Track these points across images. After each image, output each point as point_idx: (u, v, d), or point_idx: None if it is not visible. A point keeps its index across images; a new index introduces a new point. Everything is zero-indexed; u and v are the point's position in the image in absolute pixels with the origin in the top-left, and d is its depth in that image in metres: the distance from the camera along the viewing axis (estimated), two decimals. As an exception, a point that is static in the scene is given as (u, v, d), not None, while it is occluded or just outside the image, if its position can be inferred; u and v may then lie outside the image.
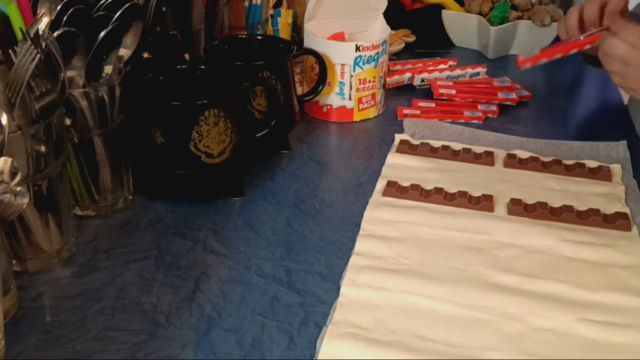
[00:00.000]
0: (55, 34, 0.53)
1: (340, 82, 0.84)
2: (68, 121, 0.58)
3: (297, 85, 0.86)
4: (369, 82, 0.85)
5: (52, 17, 0.56)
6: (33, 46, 0.48)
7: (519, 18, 1.12)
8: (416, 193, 0.66)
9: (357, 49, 0.82)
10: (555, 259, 0.58)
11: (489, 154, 0.75)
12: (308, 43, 0.85)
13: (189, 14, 0.74)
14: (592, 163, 0.73)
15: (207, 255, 0.59)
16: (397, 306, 0.52)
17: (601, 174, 0.71)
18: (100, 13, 0.60)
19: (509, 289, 0.54)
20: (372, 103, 0.87)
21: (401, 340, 0.48)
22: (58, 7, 0.57)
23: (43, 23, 0.49)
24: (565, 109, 0.81)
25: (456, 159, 0.74)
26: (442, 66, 1.00)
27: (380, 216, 0.63)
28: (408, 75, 0.97)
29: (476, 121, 0.86)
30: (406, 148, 0.76)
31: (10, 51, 0.50)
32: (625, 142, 0.78)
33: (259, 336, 0.49)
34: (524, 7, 1.12)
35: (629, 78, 0.70)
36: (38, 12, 0.54)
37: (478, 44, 1.15)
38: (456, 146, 0.76)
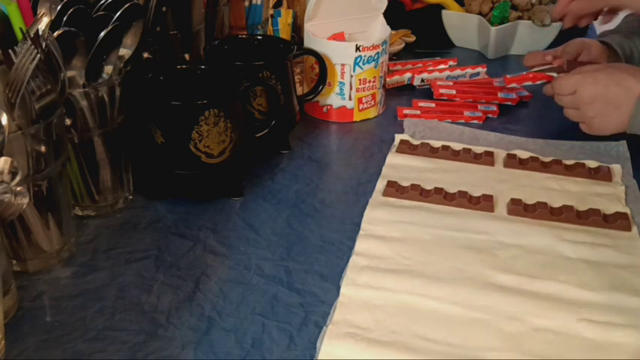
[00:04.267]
0: (55, 34, 0.53)
1: (340, 82, 0.84)
2: (68, 121, 0.58)
3: (297, 85, 0.86)
4: (369, 82, 0.85)
5: (52, 17, 0.56)
6: (33, 46, 0.48)
7: (519, 18, 1.12)
8: (416, 193, 0.66)
9: (357, 49, 0.82)
10: (555, 259, 0.58)
11: (489, 154, 0.75)
12: (308, 43, 0.85)
13: (189, 14, 0.74)
14: (592, 163, 0.73)
15: (207, 255, 0.59)
16: (397, 306, 0.52)
17: (601, 174, 0.71)
18: (100, 13, 0.60)
19: (509, 289, 0.54)
20: (372, 103, 0.87)
21: (401, 340, 0.48)
22: (58, 7, 0.57)
23: (43, 23, 0.49)
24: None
25: (456, 159, 0.74)
26: (442, 66, 1.00)
27: (380, 216, 0.63)
28: (408, 75, 0.97)
29: (476, 121, 0.86)
30: (406, 148, 0.76)
31: (10, 51, 0.50)
32: (625, 142, 0.77)
33: (259, 336, 0.49)
34: (524, 7, 1.13)
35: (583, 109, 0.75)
36: (38, 12, 0.54)
37: (478, 44, 1.15)
38: (456, 146, 0.76)
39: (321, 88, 0.82)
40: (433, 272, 0.55)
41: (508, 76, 0.88)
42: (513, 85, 0.89)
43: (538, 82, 0.88)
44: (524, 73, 0.88)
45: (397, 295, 0.53)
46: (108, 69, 0.60)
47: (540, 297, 0.53)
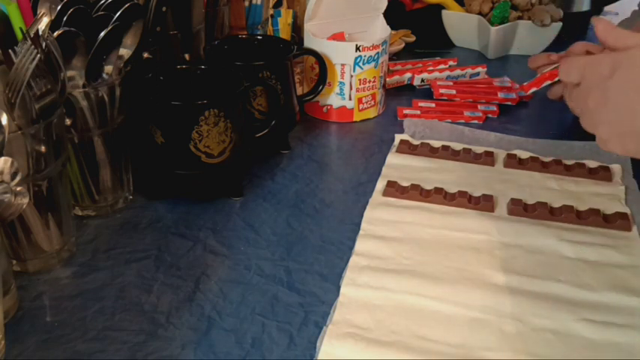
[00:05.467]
0: (55, 34, 0.53)
1: (340, 82, 0.84)
2: (68, 121, 0.58)
3: (297, 85, 0.86)
4: (369, 82, 0.85)
5: (52, 17, 0.56)
6: (33, 46, 0.48)
7: (519, 18, 1.12)
8: (416, 193, 0.66)
9: (357, 49, 0.82)
10: (555, 259, 0.58)
11: (489, 154, 0.75)
12: (308, 43, 0.85)
13: (189, 14, 0.75)
14: (592, 163, 0.73)
15: (207, 255, 0.59)
16: (397, 306, 0.52)
17: (601, 174, 0.71)
18: (100, 13, 0.60)
19: (510, 289, 0.54)
20: (372, 103, 0.87)
21: (401, 340, 0.48)
22: (58, 7, 0.57)
23: (43, 23, 0.49)
24: (565, 109, 0.81)
25: (456, 159, 0.74)
26: (442, 66, 1.00)
27: (380, 216, 0.63)
28: (408, 75, 0.97)
29: (476, 121, 0.86)
30: (406, 148, 0.76)
31: (10, 51, 0.50)
32: (625, 142, 0.77)
33: (259, 336, 0.49)
34: (524, 7, 1.13)
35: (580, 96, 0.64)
36: (38, 12, 0.54)
37: (478, 44, 1.15)
38: (456, 146, 0.76)
39: (321, 88, 0.82)
40: (433, 272, 0.55)
41: (525, 84, 0.85)
42: (533, 89, 0.87)
43: (556, 79, 0.85)
44: (538, 75, 0.85)
45: (397, 295, 0.53)
46: (108, 69, 0.60)
47: (540, 297, 0.53)
